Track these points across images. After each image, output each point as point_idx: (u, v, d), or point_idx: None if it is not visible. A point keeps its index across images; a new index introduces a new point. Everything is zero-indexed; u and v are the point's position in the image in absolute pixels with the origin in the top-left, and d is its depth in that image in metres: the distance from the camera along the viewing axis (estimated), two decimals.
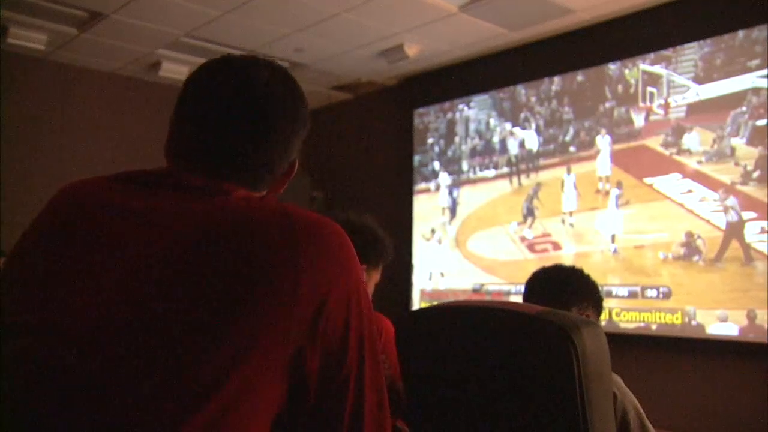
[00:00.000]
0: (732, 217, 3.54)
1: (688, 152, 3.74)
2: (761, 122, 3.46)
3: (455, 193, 4.96)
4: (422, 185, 5.18)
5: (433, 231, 5.07)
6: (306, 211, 0.83)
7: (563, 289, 1.65)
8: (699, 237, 3.65)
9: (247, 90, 0.90)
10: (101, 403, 0.70)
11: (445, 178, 5.04)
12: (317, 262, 0.78)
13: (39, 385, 0.72)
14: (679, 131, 3.79)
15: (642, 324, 3.84)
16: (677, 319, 3.69)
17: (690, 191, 3.71)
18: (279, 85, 0.93)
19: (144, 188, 0.85)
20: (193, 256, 0.76)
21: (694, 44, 3.75)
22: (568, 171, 4.30)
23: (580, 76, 4.28)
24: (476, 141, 4.87)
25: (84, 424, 0.70)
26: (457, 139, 4.98)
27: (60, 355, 0.73)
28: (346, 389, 0.79)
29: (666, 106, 3.85)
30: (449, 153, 5.02)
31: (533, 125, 4.53)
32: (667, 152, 3.83)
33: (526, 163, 4.56)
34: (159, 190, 0.85)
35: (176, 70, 4.95)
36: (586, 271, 1.75)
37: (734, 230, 3.52)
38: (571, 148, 4.30)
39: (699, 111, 3.71)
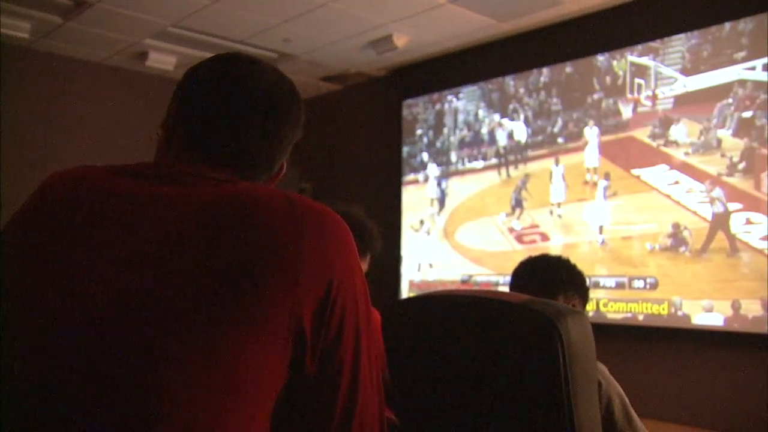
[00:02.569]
0: (718, 208, 3.56)
1: (676, 144, 3.76)
2: (747, 114, 3.48)
3: (444, 184, 4.97)
4: (411, 176, 5.18)
5: (421, 222, 5.07)
6: (308, 199, 0.86)
7: (549, 278, 1.66)
8: (686, 228, 3.68)
9: (257, 91, 0.94)
10: (108, 381, 0.72)
11: (433, 170, 5.04)
12: (320, 246, 0.81)
13: (51, 366, 0.74)
14: (666, 123, 3.81)
15: (629, 314, 3.86)
16: (664, 309, 3.72)
17: (677, 182, 3.73)
18: (285, 88, 0.97)
19: (147, 178, 0.86)
20: (199, 239, 0.78)
21: (682, 36, 3.76)
22: (557, 162, 4.32)
23: (568, 68, 4.28)
24: (465, 132, 4.87)
25: (88, 400, 0.72)
26: (445, 130, 4.98)
27: (64, 331, 0.74)
28: (342, 372, 0.81)
29: (654, 98, 3.87)
30: (438, 144, 5.02)
31: (522, 116, 4.53)
32: (654, 144, 3.85)
33: (514, 154, 4.56)
34: (163, 180, 0.86)
35: (163, 60, 4.91)
36: (574, 261, 1.76)
37: (720, 221, 3.55)
38: (560, 140, 4.31)
39: (686, 102, 3.73)
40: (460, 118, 4.89)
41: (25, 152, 4.78)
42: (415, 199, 5.13)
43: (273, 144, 0.95)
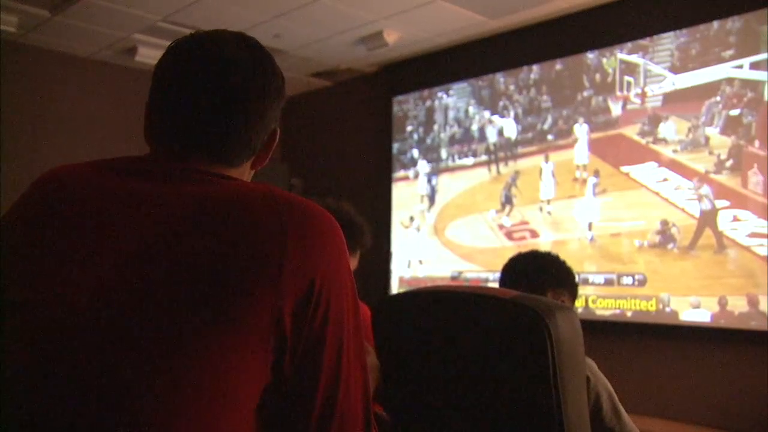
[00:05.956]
0: (706, 205, 3.59)
1: (664, 141, 3.78)
2: (734, 112, 3.51)
3: (434, 181, 4.97)
4: (401, 173, 5.18)
5: (411, 218, 5.08)
6: (292, 195, 0.84)
7: (539, 274, 1.67)
8: (674, 225, 3.70)
9: (214, 67, 0.90)
10: (94, 382, 0.72)
11: (423, 166, 5.04)
12: (303, 244, 0.79)
13: (37, 362, 0.74)
14: (655, 120, 3.83)
15: (617, 311, 3.89)
16: (652, 305, 3.75)
17: (665, 180, 3.76)
18: (246, 57, 0.92)
19: (130, 175, 0.86)
20: (182, 240, 0.77)
21: (671, 34, 3.78)
22: (546, 159, 4.33)
23: (558, 65, 4.30)
24: (455, 129, 4.88)
25: (77, 399, 0.72)
26: (436, 127, 4.98)
27: (54, 331, 0.74)
28: (322, 370, 0.80)
29: (643, 95, 3.89)
30: (428, 141, 5.03)
31: (512, 113, 4.54)
32: (643, 141, 3.87)
33: (504, 151, 4.57)
34: (144, 176, 0.85)
35: (153, 55, 4.87)
36: (563, 258, 1.77)
37: (708, 218, 3.57)
38: (549, 137, 4.32)
39: (675, 100, 3.75)
40: (450, 114, 4.90)
41: (13, 147, 4.74)
42: (405, 195, 5.13)
43: (240, 121, 0.90)
